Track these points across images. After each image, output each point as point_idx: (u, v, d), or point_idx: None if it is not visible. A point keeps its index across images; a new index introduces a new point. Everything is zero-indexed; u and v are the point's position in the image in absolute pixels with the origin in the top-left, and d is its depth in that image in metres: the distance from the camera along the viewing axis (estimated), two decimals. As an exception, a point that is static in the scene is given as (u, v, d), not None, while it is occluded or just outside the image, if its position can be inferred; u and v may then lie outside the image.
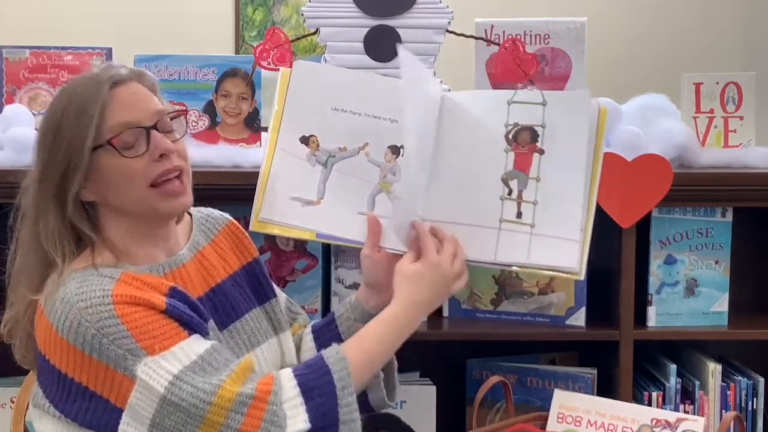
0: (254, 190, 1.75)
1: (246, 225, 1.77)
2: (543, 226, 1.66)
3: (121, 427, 1.44)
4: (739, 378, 2.20)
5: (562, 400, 1.92)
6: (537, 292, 2.22)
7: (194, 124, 2.20)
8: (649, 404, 2.15)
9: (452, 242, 1.64)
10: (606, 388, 2.19)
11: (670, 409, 2.14)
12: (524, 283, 2.22)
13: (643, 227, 2.18)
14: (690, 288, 2.22)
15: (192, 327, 1.48)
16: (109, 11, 4.10)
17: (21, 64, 2.27)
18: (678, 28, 4.26)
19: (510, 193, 1.68)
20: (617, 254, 2.15)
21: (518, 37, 2.20)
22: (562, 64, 2.21)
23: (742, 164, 2.24)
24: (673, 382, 2.18)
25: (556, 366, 2.30)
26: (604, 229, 1.90)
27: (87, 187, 1.51)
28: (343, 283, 2.20)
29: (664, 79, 2.63)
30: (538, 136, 1.69)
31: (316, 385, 1.48)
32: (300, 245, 2.19)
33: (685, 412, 2.16)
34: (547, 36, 2.22)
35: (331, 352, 1.53)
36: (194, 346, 1.46)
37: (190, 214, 1.71)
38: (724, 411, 2.18)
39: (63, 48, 2.29)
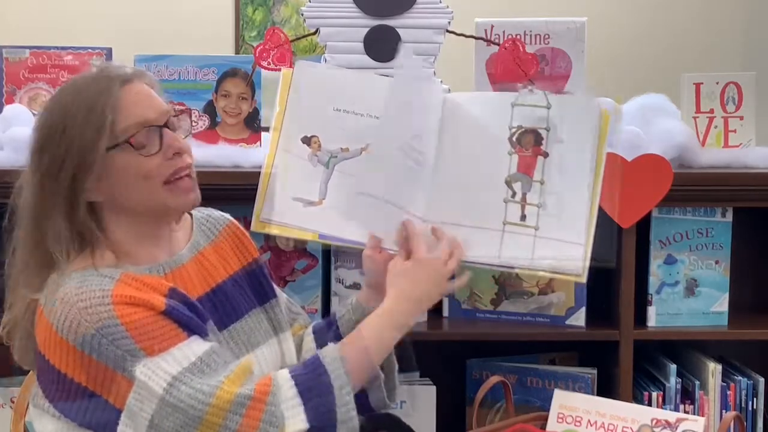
0: (254, 190, 1.75)
1: (246, 225, 1.77)
2: (547, 229, 1.67)
3: (120, 427, 1.44)
4: (739, 378, 2.20)
5: (562, 400, 1.92)
6: (537, 292, 2.22)
7: (194, 124, 2.20)
8: (649, 404, 2.15)
9: (449, 242, 1.64)
10: (606, 388, 2.19)
11: (670, 409, 2.14)
12: (524, 283, 2.22)
13: (643, 227, 2.18)
14: (690, 288, 2.22)
15: (191, 328, 1.48)
16: (109, 11, 4.10)
17: (21, 64, 2.27)
18: (678, 28, 4.25)
19: (514, 195, 1.69)
20: (617, 254, 2.15)
21: (518, 37, 2.20)
22: (562, 64, 2.21)
23: (742, 164, 2.24)
24: (673, 382, 2.18)
25: (556, 366, 2.30)
26: (604, 229, 1.90)
27: (97, 187, 1.51)
28: (343, 283, 2.20)
29: (664, 79, 2.62)
30: (542, 139, 1.69)
31: (314, 385, 1.49)
32: (300, 245, 2.19)
33: (685, 412, 2.16)
34: (547, 36, 2.22)
35: (327, 352, 1.54)
36: (193, 348, 1.46)
37: (191, 215, 1.71)
38: (724, 411, 2.18)
39: (63, 48, 2.29)
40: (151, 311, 1.45)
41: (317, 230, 1.74)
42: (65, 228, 1.50)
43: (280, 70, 1.99)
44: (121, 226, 1.55)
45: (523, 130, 1.70)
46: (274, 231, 1.76)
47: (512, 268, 1.70)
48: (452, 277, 1.67)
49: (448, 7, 2.11)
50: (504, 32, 2.21)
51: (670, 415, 1.85)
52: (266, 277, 1.76)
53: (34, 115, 2.21)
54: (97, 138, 1.48)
